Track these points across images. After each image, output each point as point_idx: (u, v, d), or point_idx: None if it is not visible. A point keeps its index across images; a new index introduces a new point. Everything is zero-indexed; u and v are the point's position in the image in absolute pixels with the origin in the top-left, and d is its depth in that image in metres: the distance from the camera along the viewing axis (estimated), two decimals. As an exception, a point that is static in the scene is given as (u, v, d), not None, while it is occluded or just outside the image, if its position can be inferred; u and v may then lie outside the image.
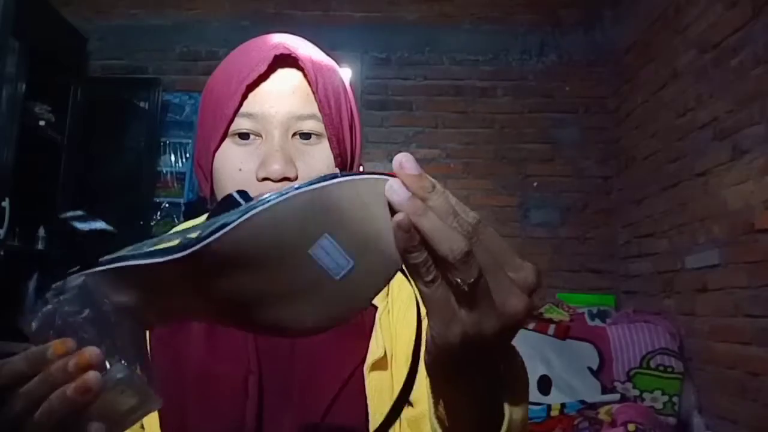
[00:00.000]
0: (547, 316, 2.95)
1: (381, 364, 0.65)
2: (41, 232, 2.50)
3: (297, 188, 0.37)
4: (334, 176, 0.38)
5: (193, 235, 0.38)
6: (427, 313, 0.37)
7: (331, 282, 0.38)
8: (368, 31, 3.55)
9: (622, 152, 3.35)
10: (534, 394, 2.59)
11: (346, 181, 0.37)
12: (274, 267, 0.39)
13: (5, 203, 2.17)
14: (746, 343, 2.14)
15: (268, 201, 0.37)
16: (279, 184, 0.63)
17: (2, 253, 2.16)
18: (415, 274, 0.36)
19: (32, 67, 2.35)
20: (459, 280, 0.34)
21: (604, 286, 3.35)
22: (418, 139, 3.51)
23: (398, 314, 0.69)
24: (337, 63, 0.72)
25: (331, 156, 0.67)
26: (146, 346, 0.47)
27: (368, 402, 0.64)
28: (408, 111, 3.53)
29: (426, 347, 0.40)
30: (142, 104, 3.30)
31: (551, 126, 3.49)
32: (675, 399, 2.56)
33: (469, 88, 3.54)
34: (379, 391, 0.65)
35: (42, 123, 2.52)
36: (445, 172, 3.47)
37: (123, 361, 0.40)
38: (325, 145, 0.67)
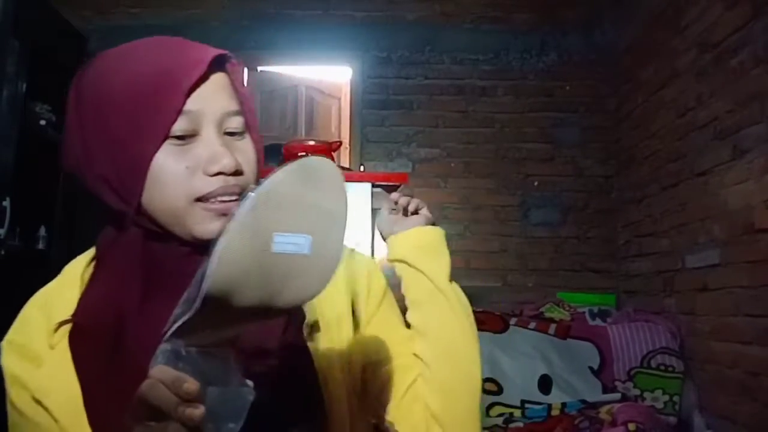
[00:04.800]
0: (547, 315, 2.95)
1: (315, 328, 0.72)
2: (42, 231, 2.50)
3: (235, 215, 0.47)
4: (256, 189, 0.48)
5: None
6: None
7: (306, 257, 0.50)
8: (369, 31, 3.54)
9: (622, 152, 3.35)
10: (535, 394, 2.59)
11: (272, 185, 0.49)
12: (263, 277, 0.48)
13: (6, 203, 2.16)
14: (746, 343, 2.14)
15: (228, 231, 0.46)
16: (234, 178, 0.65)
17: (3, 252, 2.16)
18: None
19: (32, 67, 2.34)
20: None
21: (604, 285, 3.35)
22: (418, 139, 3.51)
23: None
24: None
25: (255, 151, 0.70)
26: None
27: (315, 362, 0.70)
28: (409, 110, 3.53)
29: None
30: (142, 104, 3.29)
31: (551, 126, 3.49)
32: (676, 398, 2.56)
33: (470, 87, 3.54)
34: (324, 351, 0.72)
35: (42, 123, 2.51)
36: (445, 171, 3.48)
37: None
38: (249, 141, 0.69)
